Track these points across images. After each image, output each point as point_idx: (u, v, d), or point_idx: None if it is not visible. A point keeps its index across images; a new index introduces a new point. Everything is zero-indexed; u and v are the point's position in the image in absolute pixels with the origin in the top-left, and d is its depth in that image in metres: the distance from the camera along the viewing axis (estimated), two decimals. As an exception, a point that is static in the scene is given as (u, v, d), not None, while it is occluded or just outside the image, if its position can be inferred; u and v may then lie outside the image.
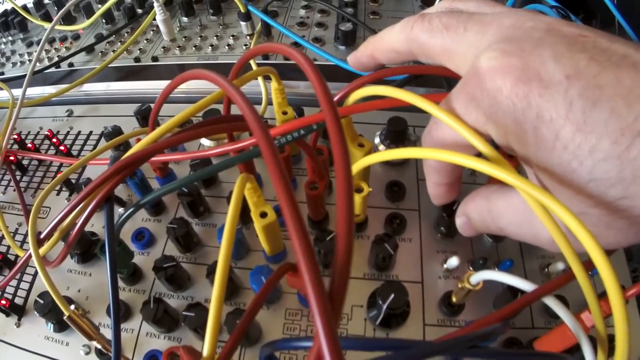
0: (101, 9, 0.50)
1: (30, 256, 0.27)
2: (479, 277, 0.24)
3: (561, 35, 0.18)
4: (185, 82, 0.25)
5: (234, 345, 0.21)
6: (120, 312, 0.30)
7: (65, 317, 0.26)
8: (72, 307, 0.27)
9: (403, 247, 0.32)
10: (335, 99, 0.27)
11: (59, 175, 0.33)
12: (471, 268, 0.30)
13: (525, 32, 0.19)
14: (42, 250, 0.27)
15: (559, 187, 0.19)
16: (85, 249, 0.33)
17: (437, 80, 0.37)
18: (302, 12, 0.52)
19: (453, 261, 0.29)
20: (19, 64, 0.55)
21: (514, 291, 0.27)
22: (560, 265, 0.29)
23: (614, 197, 0.17)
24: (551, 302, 0.22)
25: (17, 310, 0.33)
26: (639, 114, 0.15)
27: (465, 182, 0.35)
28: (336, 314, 0.13)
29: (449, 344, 0.16)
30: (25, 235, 0.38)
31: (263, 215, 0.27)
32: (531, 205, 0.22)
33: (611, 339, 0.20)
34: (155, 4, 0.47)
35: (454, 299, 0.28)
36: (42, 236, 0.27)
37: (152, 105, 0.40)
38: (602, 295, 0.20)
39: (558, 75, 0.17)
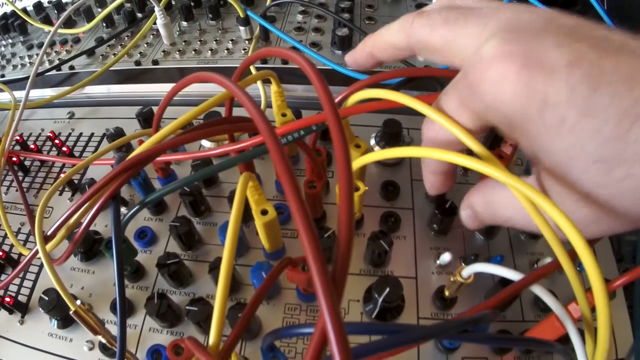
0: (102, 13, 0.51)
1: (36, 253, 0.28)
2: (470, 270, 0.26)
3: (560, 25, 0.19)
4: (192, 84, 0.26)
5: (237, 337, 0.22)
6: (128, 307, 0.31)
7: (71, 312, 0.27)
8: (78, 302, 0.27)
9: (397, 244, 0.33)
10: (335, 101, 0.28)
11: (63, 175, 0.34)
12: (463, 264, 0.31)
13: (526, 23, 0.20)
14: (47, 248, 0.28)
15: (563, 171, 0.20)
16: (88, 247, 0.34)
17: (431, 84, 0.39)
18: (300, 17, 0.53)
19: (446, 257, 0.30)
20: (19, 66, 0.56)
21: (504, 285, 0.28)
22: (549, 260, 0.30)
23: (617, 178, 0.18)
24: (539, 291, 0.23)
25: (20, 308, 0.33)
26: (638, 98, 0.16)
27: (458, 182, 0.36)
28: (339, 295, 0.14)
29: (442, 328, 0.17)
30: (28, 235, 0.38)
31: (264, 212, 0.28)
32: (521, 202, 0.23)
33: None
34: (156, 9, 0.48)
35: (446, 293, 0.29)
36: (48, 234, 0.28)
37: (154, 108, 0.41)
38: (589, 290, 0.22)
39: (560, 61, 0.18)
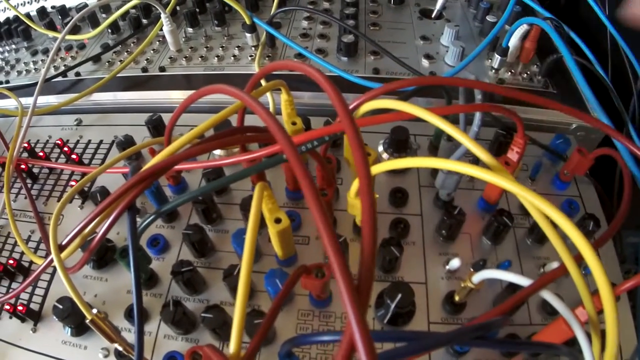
0: (109, 20, 0.51)
1: (51, 262, 0.28)
2: (480, 276, 0.26)
3: None
4: (206, 96, 0.27)
5: (257, 345, 0.22)
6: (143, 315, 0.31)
7: (87, 321, 0.27)
8: (94, 311, 0.28)
9: (407, 250, 0.33)
10: (352, 115, 0.29)
11: (76, 184, 0.34)
12: (472, 269, 0.32)
13: None
14: (62, 257, 0.28)
15: None
16: (101, 255, 0.34)
17: (438, 91, 0.39)
18: (305, 23, 0.54)
19: (455, 263, 0.31)
20: (24, 72, 0.56)
21: (512, 290, 0.29)
22: (555, 265, 0.31)
23: None
24: (548, 296, 0.24)
25: (33, 316, 0.34)
26: None
27: (465, 187, 0.37)
28: (364, 304, 0.15)
29: (457, 334, 0.18)
30: (39, 243, 0.39)
31: (278, 221, 0.28)
32: (529, 210, 0.24)
33: (604, 334, 0.22)
34: (163, 15, 0.48)
35: (456, 298, 0.30)
36: (63, 244, 0.28)
37: (163, 114, 0.42)
38: (595, 293, 0.22)
39: None
